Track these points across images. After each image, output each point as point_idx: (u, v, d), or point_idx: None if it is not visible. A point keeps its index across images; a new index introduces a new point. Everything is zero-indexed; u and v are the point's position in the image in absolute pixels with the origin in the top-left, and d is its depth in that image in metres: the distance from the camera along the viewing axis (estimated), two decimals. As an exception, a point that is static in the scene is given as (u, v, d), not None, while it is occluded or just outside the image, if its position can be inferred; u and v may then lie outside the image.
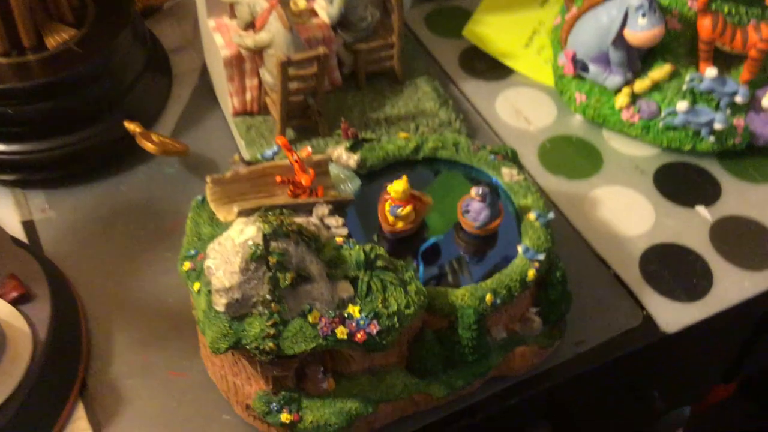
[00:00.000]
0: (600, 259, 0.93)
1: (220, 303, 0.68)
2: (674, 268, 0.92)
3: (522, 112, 1.09)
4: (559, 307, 0.83)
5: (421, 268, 0.81)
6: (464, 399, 0.79)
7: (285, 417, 0.74)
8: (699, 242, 0.94)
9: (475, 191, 0.77)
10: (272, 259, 0.67)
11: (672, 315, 0.88)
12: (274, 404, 0.74)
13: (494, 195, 0.78)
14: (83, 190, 0.97)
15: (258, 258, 0.67)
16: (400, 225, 0.81)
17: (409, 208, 0.79)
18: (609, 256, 0.93)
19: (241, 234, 0.68)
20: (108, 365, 0.82)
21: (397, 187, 0.79)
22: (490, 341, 0.80)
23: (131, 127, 0.95)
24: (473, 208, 0.79)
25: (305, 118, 0.97)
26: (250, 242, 0.67)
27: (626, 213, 0.97)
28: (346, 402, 0.75)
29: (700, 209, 0.98)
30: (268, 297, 0.68)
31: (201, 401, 0.80)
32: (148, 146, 0.93)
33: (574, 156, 1.03)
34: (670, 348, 0.89)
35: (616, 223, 0.97)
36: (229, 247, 0.68)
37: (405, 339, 0.77)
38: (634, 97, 1.00)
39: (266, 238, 0.67)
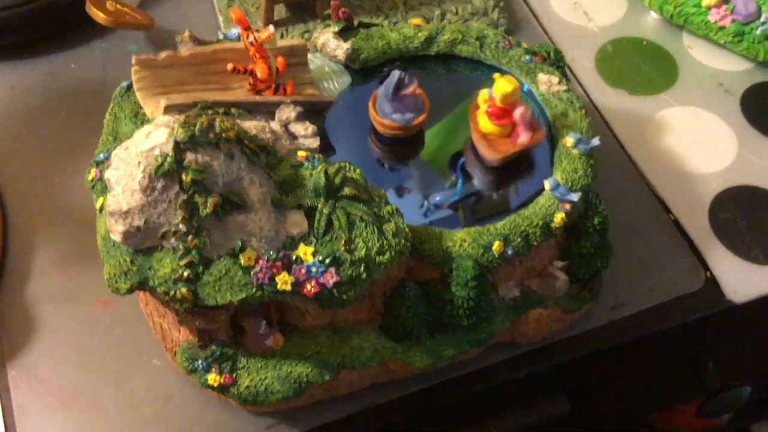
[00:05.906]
0: (658, 200, 0.77)
1: (116, 230, 0.51)
2: (754, 219, 0.75)
3: (582, 3, 0.92)
4: (593, 262, 0.66)
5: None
6: (458, 366, 0.66)
7: (213, 378, 0.58)
8: (791, 187, 0.77)
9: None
10: (186, 177, 0.49)
11: (743, 279, 0.72)
12: (200, 362, 0.58)
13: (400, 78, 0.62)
14: (21, 67, 0.83)
15: (166, 174, 0.49)
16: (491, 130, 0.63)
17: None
18: (670, 197, 0.77)
19: (147, 138, 0.50)
20: (24, 284, 0.70)
21: (505, 87, 0.60)
22: (495, 301, 0.62)
23: (83, -12, 0.82)
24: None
25: (300, -8, 0.83)
26: (157, 151, 0.49)
27: (700, 143, 0.81)
28: (295, 365, 0.59)
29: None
30: (182, 228, 0.51)
31: (129, 339, 0.67)
32: (99, 15, 0.80)
33: (642, 65, 0.87)
34: (735, 319, 0.74)
35: (686, 155, 0.80)
36: (133, 156, 0.50)
37: (380, 291, 0.60)
38: (729, -7, 0.84)
39: (179, 147, 0.49)
